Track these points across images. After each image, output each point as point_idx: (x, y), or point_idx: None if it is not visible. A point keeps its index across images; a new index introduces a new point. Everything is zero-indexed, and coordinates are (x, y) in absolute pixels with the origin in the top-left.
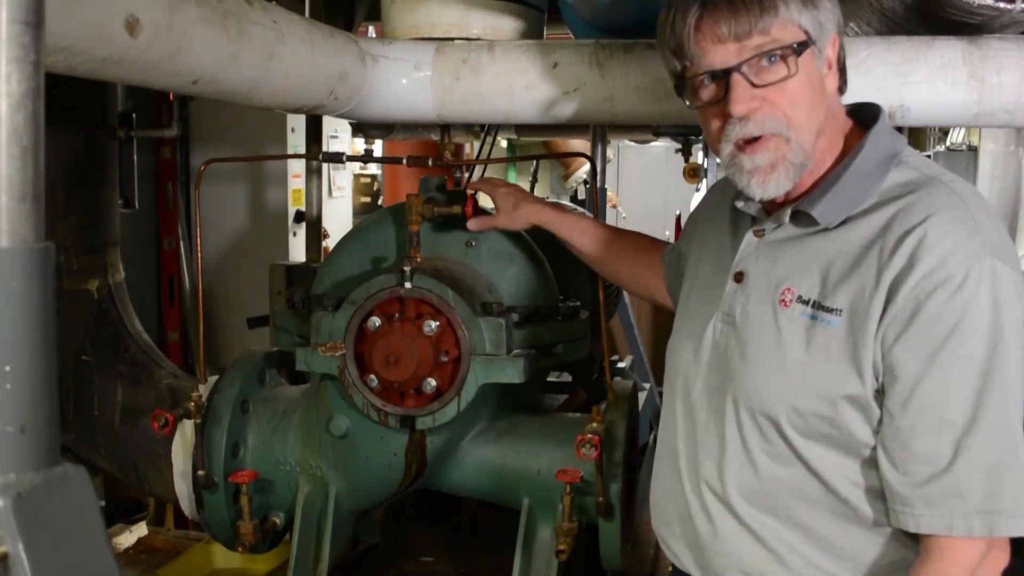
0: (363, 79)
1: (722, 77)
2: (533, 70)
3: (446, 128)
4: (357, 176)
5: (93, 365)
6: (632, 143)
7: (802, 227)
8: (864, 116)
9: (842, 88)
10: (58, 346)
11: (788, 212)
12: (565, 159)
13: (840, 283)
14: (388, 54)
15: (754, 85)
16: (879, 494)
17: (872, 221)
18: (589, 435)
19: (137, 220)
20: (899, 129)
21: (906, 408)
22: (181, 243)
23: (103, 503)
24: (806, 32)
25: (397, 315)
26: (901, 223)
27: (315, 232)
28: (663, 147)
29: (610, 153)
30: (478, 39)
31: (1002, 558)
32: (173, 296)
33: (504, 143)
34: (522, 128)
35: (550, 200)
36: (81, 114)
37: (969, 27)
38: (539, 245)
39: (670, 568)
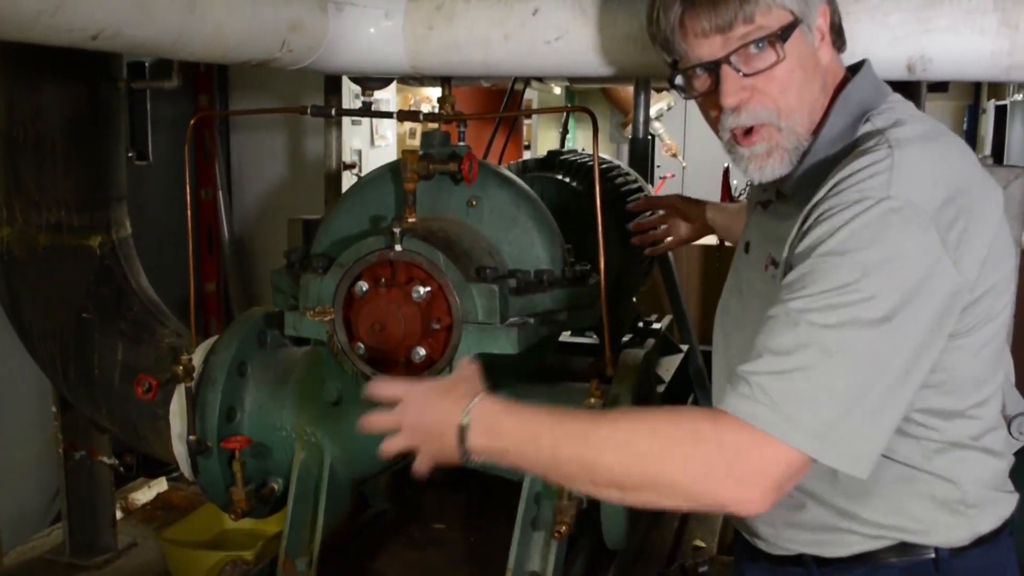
0: (324, 29)
1: (712, 69)
2: (512, 18)
3: (446, 80)
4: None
5: (94, 323)
6: None
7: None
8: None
9: (839, 46)
10: (58, 304)
11: (774, 189)
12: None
13: (787, 239)
14: (354, 1)
15: (744, 75)
16: None
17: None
18: None
19: (173, 170)
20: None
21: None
22: (219, 193)
23: (115, 461)
24: (792, 12)
25: (385, 280)
26: (831, 178)
27: (335, 186)
28: None
29: (673, 100)
30: None
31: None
32: (212, 247)
33: (558, 90)
34: None
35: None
36: (79, 66)
37: None
38: (551, 208)
39: (695, 543)
